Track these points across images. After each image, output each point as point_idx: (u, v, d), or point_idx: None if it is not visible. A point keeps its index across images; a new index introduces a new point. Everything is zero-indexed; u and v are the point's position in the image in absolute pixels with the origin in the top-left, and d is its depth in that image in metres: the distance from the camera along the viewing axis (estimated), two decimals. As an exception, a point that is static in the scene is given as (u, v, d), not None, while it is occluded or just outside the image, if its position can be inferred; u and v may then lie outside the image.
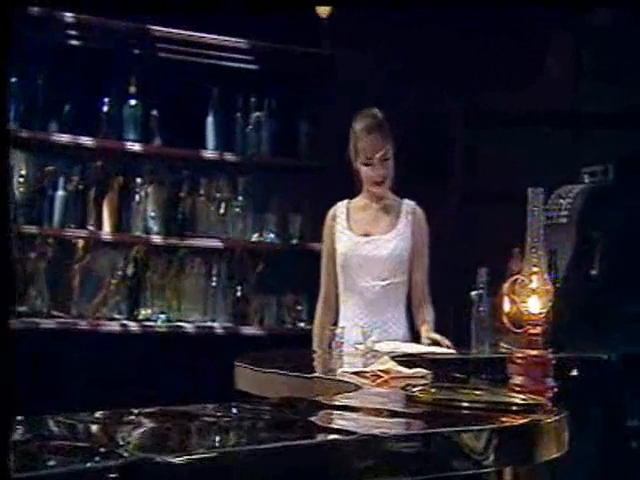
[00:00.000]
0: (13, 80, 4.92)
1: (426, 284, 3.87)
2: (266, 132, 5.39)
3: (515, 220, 4.60)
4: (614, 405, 3.53)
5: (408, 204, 3.90)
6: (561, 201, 3.96)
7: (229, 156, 5.31)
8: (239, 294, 5.30)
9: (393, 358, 2.97)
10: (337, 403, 1.95)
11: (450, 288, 4.16)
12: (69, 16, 4.97)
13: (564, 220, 3.94)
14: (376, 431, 1.54)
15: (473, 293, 3.52)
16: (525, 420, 1.87)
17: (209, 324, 5.24)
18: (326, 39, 5.40)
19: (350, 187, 5.39)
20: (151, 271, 5.24)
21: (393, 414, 1.84)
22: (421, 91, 5.49)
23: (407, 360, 3.06)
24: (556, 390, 2.24)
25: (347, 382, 2.37)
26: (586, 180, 4.09)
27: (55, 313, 5.07)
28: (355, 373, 2.50)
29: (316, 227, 5.45)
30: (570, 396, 3.47)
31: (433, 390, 2.13)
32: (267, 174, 5.50)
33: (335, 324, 3.73)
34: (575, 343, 3.66)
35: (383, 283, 3.74)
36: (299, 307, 5.37)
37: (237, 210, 5.33)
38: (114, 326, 5.07)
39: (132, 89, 5.14)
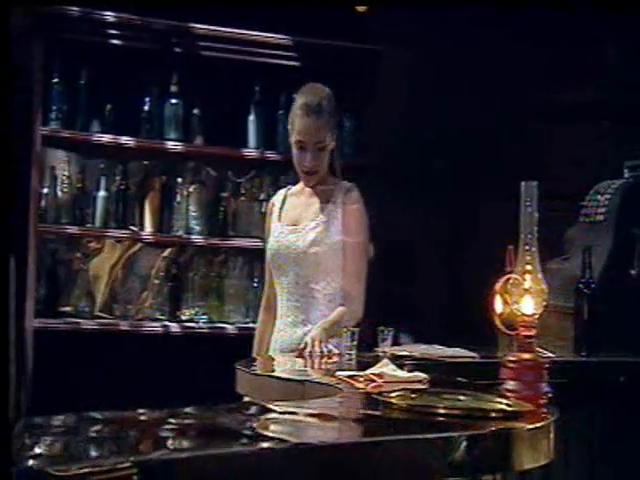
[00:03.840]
0: (55, 80, 4.95)
1: (355, 274, 3.36)
2: (309, 130, 5.30)
3: (558, 217, 4.46)
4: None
5: (343, 186, 3.41)
6: (599, 197, 3.78)
7: (271, 155, 5.23)
8: (281, 295, 5.21)
9: (403, 364, 2.88)
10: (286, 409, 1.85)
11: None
12: (110, 15, 4.97)
13: (601, 217, 3.77)
14: (306, 439, 1.45)
15: (500, 294, 3.37)
16: (492, 428, 1.75)
17: (251, 325, 5.16)
18: (370, 34, 5.29)
19: (393, 184, 5.30)
20: (193, 272, 5.21)
21: (348, 420, 1.74)
22: (467, 88, 5.35)
23: (421, 364, 2.96)
24: (550, 395, 2.10)
25: (335, 387, 2.27)
26: (626, 175, 3.90)
27: (98, 314, 5.07)
28: (350, 377, 2.41)
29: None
30: (608, 400, 3.33)
31: (413, 396, 2.02)
32: (310, 173, 5.41)
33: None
34: (611, 346, 3.50)
35: (311, 278, 3.31)
36: (343, 308, 5.26)
37: (279, 209, 5.25)
38: (156, 327, 5.04)
39: (173, 88, 5.11)
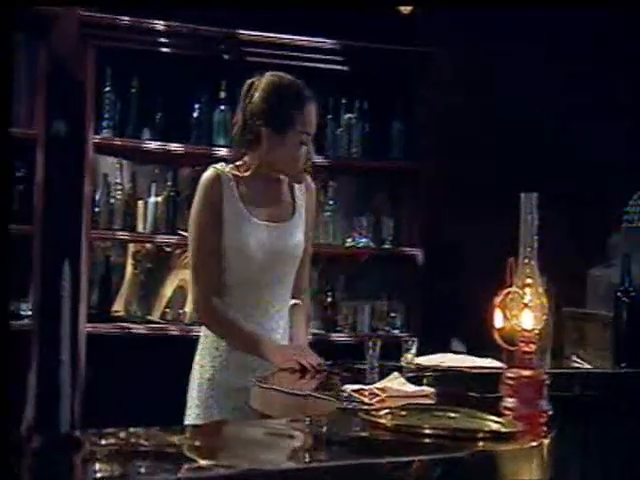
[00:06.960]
0: (107, 89, 5.01)
1: (309, 267, 3.21)
2: (357, 134, 5.27)
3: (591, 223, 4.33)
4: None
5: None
6: (640, 202, 3.68)
7: (319, 159, 5.18)
8: (330, 300, 5.20)
9: (424, 375, 2.85)
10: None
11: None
12: (159, 24, 5.01)
13: (643, 223, 3.66)
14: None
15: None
16: (468, 451, 1.70)
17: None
18: (418, 36, 5.23)
19: (445, 189, 5.24)
20: (242, 276, 5.22)
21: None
22: (517, 89, 5.26)
23: (444, 375, 2.92)
24: (550, 413, 2.04)
25: (335, 401, 2.25)
26: (671, 179, 3.79)
27: (148, 318, 5.13)
28: (356, 391, 2.39)
29: (410, 231, 5.31)
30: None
31: (403, 413, 1.98)
32: (359, 177, 5.40)
33: None
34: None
35: (283, 279, 3.03)
36: (392, 313, 5.24)
37: (328, 214, 5.22)
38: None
39: (222, 94, 5.12)
